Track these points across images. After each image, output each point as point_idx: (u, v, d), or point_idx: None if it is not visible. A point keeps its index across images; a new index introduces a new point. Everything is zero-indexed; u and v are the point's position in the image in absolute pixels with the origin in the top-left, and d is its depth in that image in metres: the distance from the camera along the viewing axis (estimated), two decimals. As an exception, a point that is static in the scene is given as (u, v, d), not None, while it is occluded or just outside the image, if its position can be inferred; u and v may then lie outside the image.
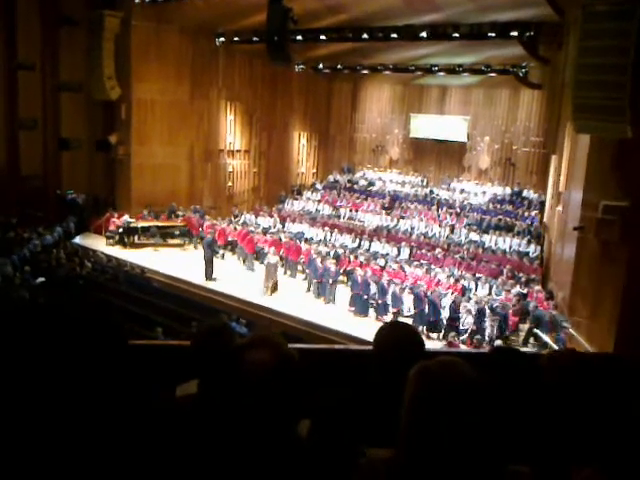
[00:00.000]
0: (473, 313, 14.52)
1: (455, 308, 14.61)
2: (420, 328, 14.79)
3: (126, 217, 21.50)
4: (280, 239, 19.83)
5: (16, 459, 1.59)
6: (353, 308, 16.12)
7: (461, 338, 14.33)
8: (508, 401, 2.41)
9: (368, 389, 2.10)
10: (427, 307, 15.04)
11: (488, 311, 14.49)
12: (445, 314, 14.93)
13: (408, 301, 15.75)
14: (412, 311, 15.50)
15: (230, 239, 20.60)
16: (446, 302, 15.28)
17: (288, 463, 1.72)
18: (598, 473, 1.46)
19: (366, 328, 14.15)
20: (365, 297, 15.96)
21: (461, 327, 14.69)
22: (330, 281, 16.70)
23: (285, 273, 18.63)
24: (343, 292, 16.99)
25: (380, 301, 15.71)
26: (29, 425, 1.66)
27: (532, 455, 1.80)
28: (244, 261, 19.74)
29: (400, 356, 1.56)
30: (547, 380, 2.16)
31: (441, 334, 14.79)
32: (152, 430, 1.80)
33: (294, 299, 16.82)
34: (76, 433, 1.62)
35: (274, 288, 17.06)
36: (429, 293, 15.40)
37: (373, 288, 15.99)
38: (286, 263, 18.83)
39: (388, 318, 15.29)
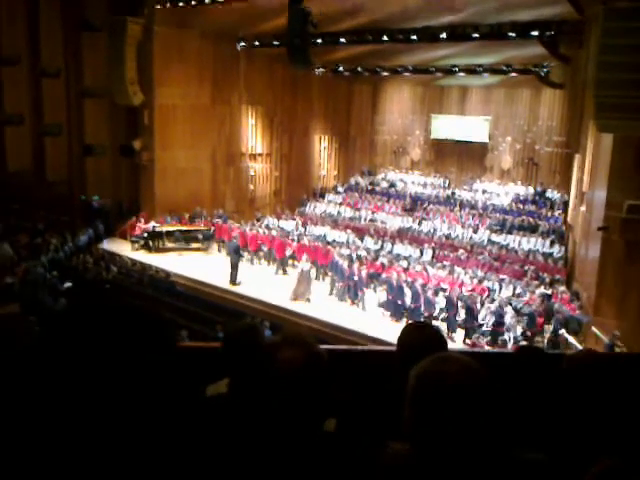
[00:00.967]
0: (495, 313, 14.49)
1: (501, 313, 14.49)
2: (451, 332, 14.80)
3: (152, 222, 21.73)
4: (306, 244, 19.73)
5: (60, 451, 1.66)
6: (389, 312, 16.01)
7: (485, 339, 14.28)
8: (530, 398, 2.46)
9: (391, 388, 2.15)
10: (460, 310, 14.97)
11: (512, 311, 14.44)
12: (486, 318, 14.87)
13: (441, 305, 15.65)
14: (444, 314, 15.38)
15: (260, 243, 20.57)
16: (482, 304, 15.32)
17: (317, 457, 1.77)
18: (619, 464, 1.50)
19: (396, 332, 14.13)
20: (399, 302, 15.82)
21: (485, 328, 14.66)
22: (361, 286, 16.62)
23: (317, 278, 18.62)
24: (368, 295, 17.01)
25: (413, 306, 15.50)
26: (72, 423, 1.73)
27: (552, 447, 1.84)
28: (270, 263, 19.90)
29: (422, 356, 1.60)
30: (567, 380, 2.19)
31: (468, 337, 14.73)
32: (186, 428, 1.87)
33: (319, 302, 16.88)
34: (116, 431, 1.69)
35: (306, 300, 17.00)
36: (464, 297, 15.33)
37: (407, 293, 15.83)
38: (316, 268, 18.80)
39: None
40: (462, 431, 1.44)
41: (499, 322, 14.26)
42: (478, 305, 15.05)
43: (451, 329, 14.88)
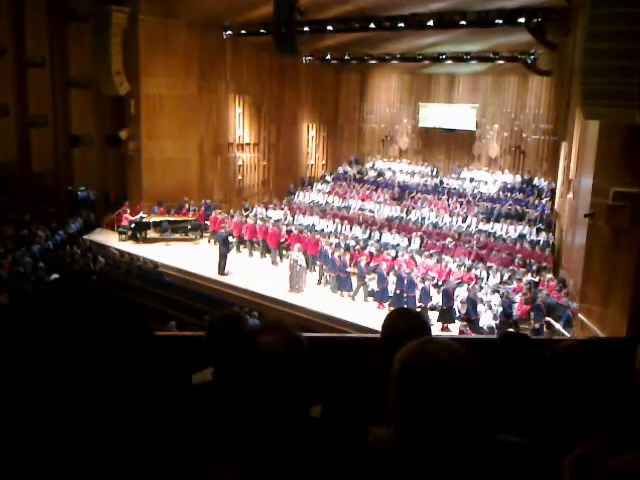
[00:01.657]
0: (484, 301, 14.57)
1: (473, 299, 14.55)
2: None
3: (140, 213, 21.68)
4: (296, 233, 19.75)
5: (39, 449, 1.65)
6: (384, 302, 15.98)
7: (469, 328, 14.35)
8: (514, 383, 2.47)
9: (376, 374, 2.16)
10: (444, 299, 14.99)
11: (498, 299, 14.53)
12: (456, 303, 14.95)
13: (437, 297, 15.64)
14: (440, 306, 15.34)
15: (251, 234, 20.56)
16: (460, 292, 15.32)
17: (303, 442, 1.78)
18: (601, 446, 1.51)
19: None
20: (396, 292, 15.74)
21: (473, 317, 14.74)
22: (362, 276, 16.55)
23: (309, 268, 18.59)
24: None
25: (406, 295, 15.44)
26: (50, 416, 1.72)
27: (535, 432, 1.85)
28: (263, 254, 19.98)
29: (406, 341, 1.60)
30: (550, 368, 2.21)
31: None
32: (171, 416, 1.87)
33: (309, 292, 16.90)
34: (99, 421, 1.69)
35: (299, 289, 16.99)
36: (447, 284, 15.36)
37: (398, 282, 15.79)
38: (306, 258, 18.76)
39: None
40: (447, 414, 1.44)
41: (472, 309, 14.34)
42: (479, 296, 15.04)
43: (448, 321, 14.85)
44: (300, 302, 16.08)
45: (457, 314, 14.97)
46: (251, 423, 1.82)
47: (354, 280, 16.88)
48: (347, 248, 18.38)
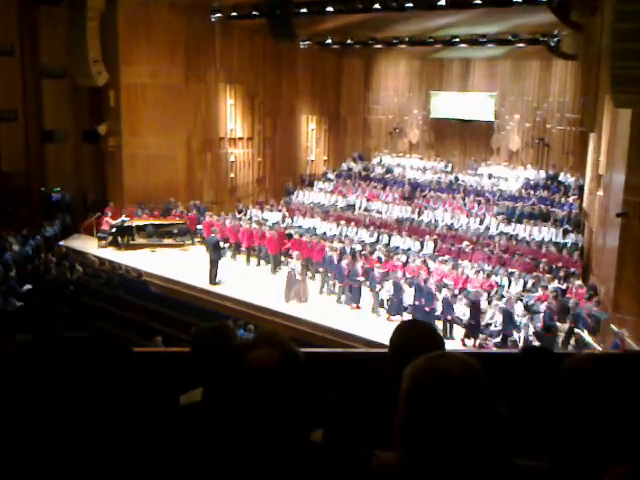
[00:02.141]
0: (503, 311, 14.55)
1: (510, 311, 14.52)
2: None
3: (121, 216, 21.71)
4: (298, 238, 19.72)
5: (24, 466, 1.67)
6: (396, 314, 15.99)
7: (493, 341, 14.34)
8: (534, 402, 2.48)
9: (383, 393, 2.17)
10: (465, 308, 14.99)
11: (522, 309, 14.50)
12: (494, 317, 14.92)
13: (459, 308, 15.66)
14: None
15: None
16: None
17: (302, 470, 1.79)
18: (632, 471, 1.51)
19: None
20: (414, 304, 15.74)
21: (493, 328, 14.72)
22: (376, 286, 16.54)
23: (312, 277, 18.65)
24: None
25: (428, 308, 15.41)
26: (36, 433, 1.74)
27: (556, 454, 1.86)
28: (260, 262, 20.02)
29: (417, 356, 1.61)
30: (567, 385, 2.22)
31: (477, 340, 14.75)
32: (157, 440, 1.88)
33: (310, 302, 16.93)
34: (82, 443, 1.70)
35: (300, 300, 17.02)
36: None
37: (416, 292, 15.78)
38: (309, 265, 18.78)
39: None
40: (459, 435, 1.44)
41: (509, 321, 14.29)
42: (484, 302, 15.06)
43: (477, 336, 14.83)
44: (301, 314, 16.08)
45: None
46: (244, 449, 1.82)
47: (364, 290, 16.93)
48: (352, 253, 18.38)
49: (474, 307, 14.79)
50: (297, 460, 1.80)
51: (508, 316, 14.30)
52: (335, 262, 17.46)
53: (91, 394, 1.86)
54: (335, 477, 1.78)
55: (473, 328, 14.78)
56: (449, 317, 15.29)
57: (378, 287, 16.54)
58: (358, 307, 16.77)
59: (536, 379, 2.65)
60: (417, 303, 15.56)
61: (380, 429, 1.77)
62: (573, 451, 1.93)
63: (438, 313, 15.41)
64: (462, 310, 15.56)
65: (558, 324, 14.30)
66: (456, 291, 16.30)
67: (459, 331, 15.28)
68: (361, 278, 16.91)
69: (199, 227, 21.97)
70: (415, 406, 1.50)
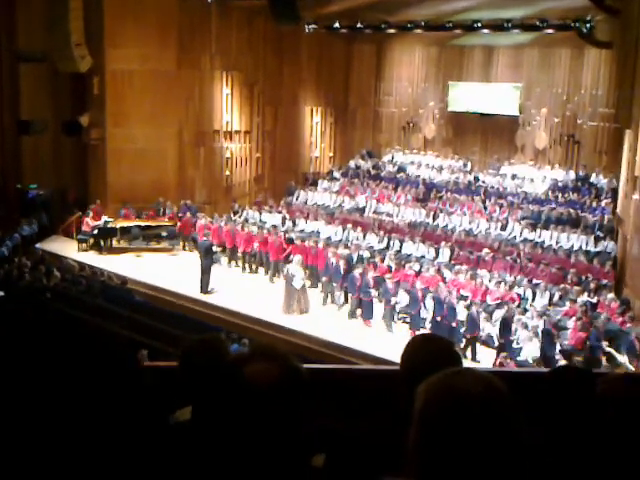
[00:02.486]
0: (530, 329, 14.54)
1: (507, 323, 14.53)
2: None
3: (104, 216, 21.72)
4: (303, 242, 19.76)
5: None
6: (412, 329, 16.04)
7: (518, 359, 14.31)
8: (567, 427, 2.47)
9: (393, 413, 2.17)
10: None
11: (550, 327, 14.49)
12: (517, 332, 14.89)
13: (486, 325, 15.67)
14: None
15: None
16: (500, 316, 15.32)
17: None
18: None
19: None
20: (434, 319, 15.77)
21: (515, 345, 14.70)
22: (390, 299, 16.54)
23: (314, 285, 18.71)
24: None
25: (454, 324, 15.43)
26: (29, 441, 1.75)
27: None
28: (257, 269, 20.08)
29: (430, 374, 1.61)
30: (601, 407, 2.22)
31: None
32: (145, 462, 1.88)
33: (312, 314, 16.94)
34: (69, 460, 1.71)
35: (299, 311, 17.07)
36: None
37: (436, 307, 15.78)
38: (313, 273, 18.89)
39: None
40: (478, 462, 1.44)
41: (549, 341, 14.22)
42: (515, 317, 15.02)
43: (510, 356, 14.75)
44: (302, 327, 16.08)
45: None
46: (239, 474, 1.82)
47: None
48: (360, 261, 18.38)
49: (506, 325, 14.73)
50: None
51: (548, 336, 14.20)
52: (341, 271, 17.46)
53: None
54: None
55: (504, 348, 14.68)
56: (474, 335, 15.25)
57: (393, 300, 16.55)
58: (370, 324, 16.78)
59: (569, 402, 2.63)
60: (438, 319, 15.55)
61: (389, 452, 1.77)
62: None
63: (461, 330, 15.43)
64: (486, 327, 15.56)
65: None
66: (480, 305, 16.29)
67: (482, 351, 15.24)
68: (373, 290, 16.90)
69: (194, 232, 21.79)
70: (430, 427, 1.49)
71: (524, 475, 1.47)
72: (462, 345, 15.01)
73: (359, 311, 17.05)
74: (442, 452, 1.46)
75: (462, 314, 15.61)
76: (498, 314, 15.55)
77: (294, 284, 16.88)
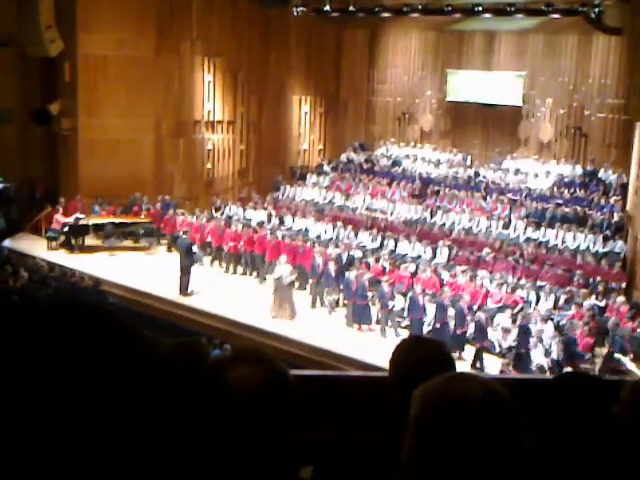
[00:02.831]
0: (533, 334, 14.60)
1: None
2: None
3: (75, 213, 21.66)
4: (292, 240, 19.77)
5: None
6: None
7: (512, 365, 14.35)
8: (575, 437, 2.48)
9: (382, 421, 2.17)
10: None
11: (552, 329, 14.54)
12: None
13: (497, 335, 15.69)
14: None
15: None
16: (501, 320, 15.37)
17: None
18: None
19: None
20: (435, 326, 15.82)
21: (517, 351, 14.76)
22: (387, 303, 16.54)
23: (303, 287, 18.77)
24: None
25: (459, 331, 15.50)
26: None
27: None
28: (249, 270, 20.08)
29: (423, 379, 1.61)
30: (618, 415, 2.22)
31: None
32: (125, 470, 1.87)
33: (302, 318, 16.95)
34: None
35: (290, 315, 17.09)
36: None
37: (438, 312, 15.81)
38: (302, 274, 18.89)
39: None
40: (477, 470, 1.44)
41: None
42: (506, 320, 15.08)
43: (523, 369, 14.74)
44: (290, 333, 16.08)
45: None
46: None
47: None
48: (351, 261, 18.39)
49: (526, 332, 14.73)
50: None
51: (569, 345, 14.24)
52: (332, 273, 17.47)
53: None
54: None
55: (522, 358, 14.64)
56: (483, 344, 15.28)
57: (390, 304, 16.57)
58: (370, 329, 16.83)
59: (577, 409, 2.64)
60: (438, 325, 15.61)
61: (380, 463, 1.77)
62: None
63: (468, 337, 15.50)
64: (494, 335, 15.61)
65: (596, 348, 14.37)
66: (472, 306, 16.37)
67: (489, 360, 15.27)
68: (369, 293, 16.92)
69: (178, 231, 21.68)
70: (427, 433, 1.49)
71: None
72: (472, 358, 15.05)
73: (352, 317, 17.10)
74: (439, 459, 1.46)
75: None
76: (499, 318, 15.58)
77: (284, 285, 16.89)
